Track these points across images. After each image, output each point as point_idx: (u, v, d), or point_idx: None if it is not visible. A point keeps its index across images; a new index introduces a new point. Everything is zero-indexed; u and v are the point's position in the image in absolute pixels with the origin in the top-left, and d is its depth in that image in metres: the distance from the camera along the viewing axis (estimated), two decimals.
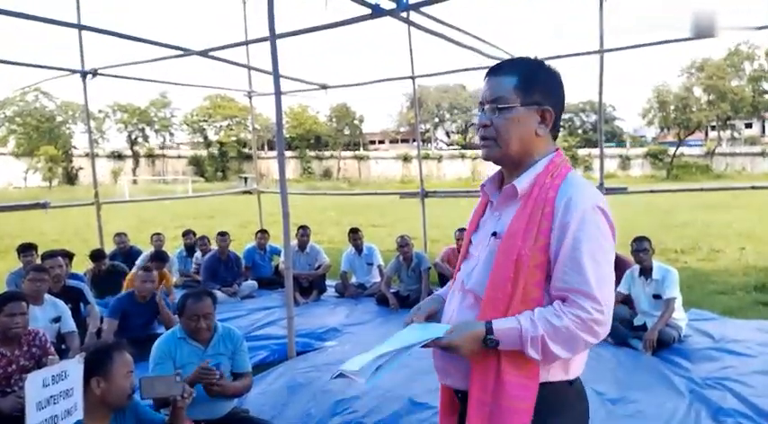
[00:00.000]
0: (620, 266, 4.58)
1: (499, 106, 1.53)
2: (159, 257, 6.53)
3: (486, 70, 1.62)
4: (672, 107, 48.09)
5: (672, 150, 48.74)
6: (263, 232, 8.31)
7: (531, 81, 1.54)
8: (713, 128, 52.00)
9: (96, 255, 6.79)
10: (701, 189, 9.64)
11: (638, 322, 4.93)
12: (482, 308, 1.51)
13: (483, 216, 1.69)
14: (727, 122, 49.61)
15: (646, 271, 4.91)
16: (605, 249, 1.45)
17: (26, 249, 6.01)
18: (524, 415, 1.44)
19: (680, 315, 4.89)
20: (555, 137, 1.61)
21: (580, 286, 1.41)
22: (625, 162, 50.62)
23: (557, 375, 1.51)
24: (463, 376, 1.54)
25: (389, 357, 1.44)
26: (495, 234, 1.56)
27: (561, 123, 1.67)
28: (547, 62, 1.62)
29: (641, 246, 4.89)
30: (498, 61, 1.63)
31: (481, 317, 1.49)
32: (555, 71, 1.59)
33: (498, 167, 1.68)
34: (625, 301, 5.04)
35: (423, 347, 1.49)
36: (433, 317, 1.70)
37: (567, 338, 1.40)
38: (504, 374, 1.45)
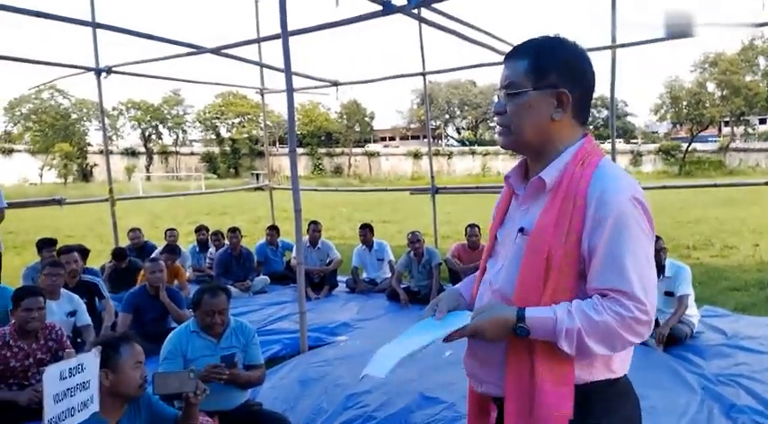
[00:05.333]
0: None
1: (509, 92, 1.43)
2: (170, 250, 6.59)
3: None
4: (684, 102, 47.61)
5: (684, 146, 48.31)
6: (273, 228, 8.36)
7: (545, 62, 1.40)
8: (726, 123, 51.49)
9: (118, 254, 6.85)
10: (714, 185, 9.50)
11: None
12: None
13: (508, 210, 1.58)
14: (741, 118, 49.09)
15: (658, 268, 4.87)
16: (645, 244, 1.34)
17: (47, 244, 6.08)
18: (563, 422, 1.35)
19: (692, 312, 4.86)
20: (584, 121, 1.47)
21: (621, 286, 1.30)
22: (637, 158, 50.22)
23: (599, 373, 1.41)
24: (497, 383, 1.46)
25: (412, 353, 1.38)
26: (522, 229, 1.44)
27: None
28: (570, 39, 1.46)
29: (657, 246, 4.86)
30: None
31: None
32: (578, 48, 1.44)
33: (516, 159, 1.58)
34: None
35: (446, 340, 1.43)
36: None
37: (605, 334, 1.31)
38: (539, 379, 1.36)
